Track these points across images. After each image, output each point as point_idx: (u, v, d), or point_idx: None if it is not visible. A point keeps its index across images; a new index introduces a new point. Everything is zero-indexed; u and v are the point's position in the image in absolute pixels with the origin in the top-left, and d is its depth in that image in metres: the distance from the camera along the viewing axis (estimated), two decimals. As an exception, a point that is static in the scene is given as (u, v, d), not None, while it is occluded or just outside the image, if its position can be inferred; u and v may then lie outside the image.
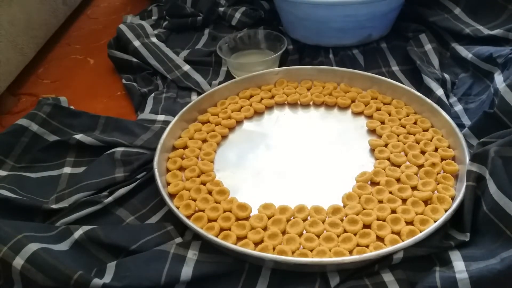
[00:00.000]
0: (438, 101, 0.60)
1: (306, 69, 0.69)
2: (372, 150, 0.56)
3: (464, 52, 0.69)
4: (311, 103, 0.66)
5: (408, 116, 0.60)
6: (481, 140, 0.48)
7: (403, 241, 0.43)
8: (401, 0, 0.74)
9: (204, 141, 0.59)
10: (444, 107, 0.58)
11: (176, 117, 0.60)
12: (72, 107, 0.66)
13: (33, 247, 0.40)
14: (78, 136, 0.57)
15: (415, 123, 0.59)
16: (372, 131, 0.59)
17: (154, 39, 0.76)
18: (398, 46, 0.77)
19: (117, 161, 0.54)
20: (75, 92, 0.74)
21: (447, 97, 0.63)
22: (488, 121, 0.52)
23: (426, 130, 0.57)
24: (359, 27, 0.77)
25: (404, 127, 0.58)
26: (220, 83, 0.71)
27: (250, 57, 0.76)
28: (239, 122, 0.63)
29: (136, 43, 0.74)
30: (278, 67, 0.73)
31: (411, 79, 0.70)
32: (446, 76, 0.66)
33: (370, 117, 0.62)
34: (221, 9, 0.90)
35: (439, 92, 0.61)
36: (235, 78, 0.69)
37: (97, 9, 1.06)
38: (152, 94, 0.68)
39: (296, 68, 0.70)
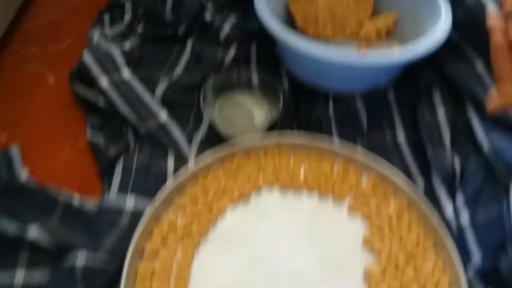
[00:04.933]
0: (446, 219, 0.53)
1: (302, 138, 0.61)
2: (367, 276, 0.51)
3: (480, 134, 0.60)
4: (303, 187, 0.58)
5: (410, 227, 0.54)
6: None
7: None
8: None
9: (181, 240, 0.52)
10: (450, 229, 0.52)
11: (147, 214, 0.51)
12: (26, 173, 0.56)
13: None
14: (34, 233, 0.49)
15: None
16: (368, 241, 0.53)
17: (125, 74, 0.63)
18: (407, 99, 0.67)
19: (78, 280, 0.47)
20: (28, 131, 0.63)
21: (454, 193, 0.57)
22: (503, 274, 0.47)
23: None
24: (366, 76, 0.67)
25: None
26: (202, 137, 0.62)
27: (238, 107, 0.65)
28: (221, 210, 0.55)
29: (104, 82, 0.61)
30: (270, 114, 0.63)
31: (416, 155, 0.62)
32: (457, 165, 0.59)
33: (368, 217, 0.55)
34: (207, 15, 0.75)
35: (448, 209, 0.54)
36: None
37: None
38: (122, 161, 0.58)
39: (290, 137, 0.61)
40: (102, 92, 0.61)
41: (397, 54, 0.59)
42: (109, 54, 0.64)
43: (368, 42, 0.76)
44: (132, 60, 0.69)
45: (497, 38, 0.43)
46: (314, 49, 0.59)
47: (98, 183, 0.57)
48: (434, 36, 0.61)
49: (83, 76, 0.63)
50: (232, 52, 0.73)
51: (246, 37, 0.75)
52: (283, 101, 0.64)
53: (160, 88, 0.66)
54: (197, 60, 0.72)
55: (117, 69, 0.63)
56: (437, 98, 0.66)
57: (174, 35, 0.74)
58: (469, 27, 0.66)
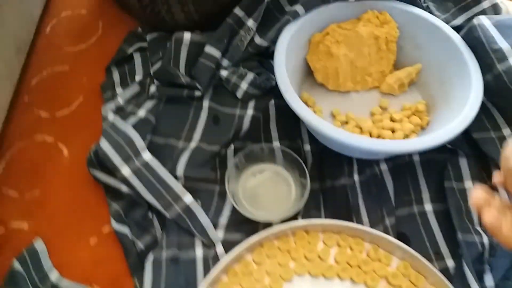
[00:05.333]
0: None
1: (330, 222, 0.59)
2: None
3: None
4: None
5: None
6: None
7: None
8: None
9: None
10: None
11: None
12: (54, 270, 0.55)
13: None
14: None
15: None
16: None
17: (146, 157, 0.61)
18: (434, 162, 0.66)
19: None
20: (49, 219, 0.61)
21: (482, 272, 0.57)
22: None
23: None
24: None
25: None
26: (228, 218, 0.61)
27: (262, 183, 0.63)
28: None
29: (126, 170, 0.59)
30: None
31: (445, 226, 0.62)
32: (485, 241, 0.59)
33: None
34: (223, 73, 0.72)
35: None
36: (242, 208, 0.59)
37: (57, 24, 0.82)
38: (151, 258, 0.57)
39: (320, 224, 0.60)
40: (123, 180, 0.59)
41: (424, 141, 0.57)
42: (127, 137, 0.61)
43: (390, 94, 0.74)
44: (148, 127, 0.66)
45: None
46: (337, 134, 0.57)
47: (129, 279, 0.57)
48: (459, 122, 0.59)
49: (102, 164, 0.60)
50: (250, 110, 0.71)
51: (264, 94, 0.72)
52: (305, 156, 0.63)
53: (181, 164, 0.64)
54: (215, 122, 0.70)
55: (137, 153, 0.60)
56: (464, 167, 0.65)
57: (189, 97, 0.70)
58: (498, 93, 0.64)
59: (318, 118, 0.59)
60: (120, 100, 0.68)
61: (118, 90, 0.72)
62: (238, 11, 0.71)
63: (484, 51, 0.64)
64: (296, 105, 0.60)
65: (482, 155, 0.65)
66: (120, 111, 0.67)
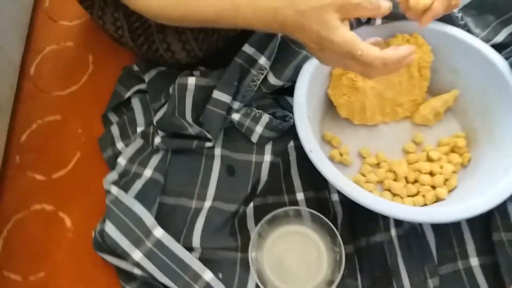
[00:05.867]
0: None
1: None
2: None
3: None
4: None
5: None
6: None
7: None
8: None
9: None
10: None
11: None
12: None
13: None
14: None
15: None
16: None
17: (158, 233, 0.54)
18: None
19: None
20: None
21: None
22: None
23: None
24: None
25: None
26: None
27: (289, 249, 0.57)
28: None
29: (137, 255, 0.52)
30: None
31: (494, 283, 0.55)
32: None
33: None
34: (235, 117, 0.63)
35: None
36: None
37: (42, 63, 0.73)
38: None
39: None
40: (136, 265, 0.53)
41: (469, 209, 0.50)
42: (134, 215, 0.54)
43: (424, 124, 0.65)
44: (156, 190, 0.59)
45: None
46: (372, 203, 0.51)
47: None
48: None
49: (110, 249, 0.54)
50: (268, 156, 0.63)
51: (282, 136, 0.64)
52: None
53: (197, 231, 0.57)
54: (229, 173, 0.62)
55: (148, 233, 0.54)
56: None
57: (199, 149, 0.62)
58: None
59: (350, 184, 0.51)
60: (123, 162, 0.61)
61: (119, 145, 0.64)
62: (247, 48, 0.62)
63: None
64: (325, 170, 0.52)
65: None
66: (124, 176, 0.59)
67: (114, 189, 0.56)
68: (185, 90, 0.62)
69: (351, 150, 0.64)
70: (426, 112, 0.64)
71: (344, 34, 0.43)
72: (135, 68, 0.68)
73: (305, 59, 0.60)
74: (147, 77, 0.67)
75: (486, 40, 0.64)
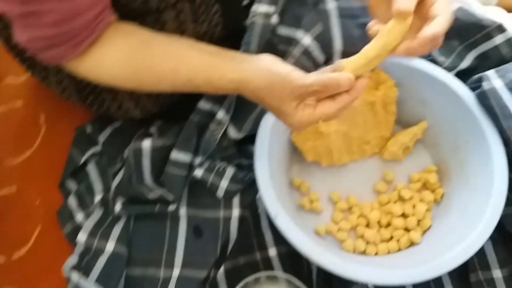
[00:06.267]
0: None
1: None
2: None
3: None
4: None
5: None
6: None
7: None
8: None
9: None
10: None
11: None
12: None
13: None
14: None
15: None
16: None
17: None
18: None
19: None
20: None
21: None
22: None
23: None
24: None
25: None
26: None
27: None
28: None
29: None
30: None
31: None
32: None
33: None
34: (198, 173, 0.60)
35: None
36: None
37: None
38: None
39: None
40: None
41: (443, 265, 0.49)
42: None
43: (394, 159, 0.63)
44: (121, 264, 0.57)
45: None
46: (347, 272, 0.49)
47: None
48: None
49: None
50: (236, 210, 0.61)
51: (249, 187, 0.61)
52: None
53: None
54: (197, 234, 0.60)
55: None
56: (489, 249, 0.56)
57: (162, 211, 0.60)
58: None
59: (319, 251, 0.49)
60: (83, 238, 0.58)
61: (79, 216, 0.61)
62: (203, 104, 0.59)
63: (499, 125, 0.53)
64: (292, 237, 0.50)
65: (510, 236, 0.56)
66: (86, 255, 0.57)
67: (75, 276, 0.54)
68: (141, 155, 0.58)
69: (321, 193, 0.62)
70: (394, 148, 0.61)
71: (300, 118, 0.45)
72: (89, 129, 0.65)
73: (264, 111, 0.57)
74: (101, 138, 0.63)
75: (452, 67, 0.61)
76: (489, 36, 0.60)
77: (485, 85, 0.54)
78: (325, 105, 0.44)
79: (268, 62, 0.46)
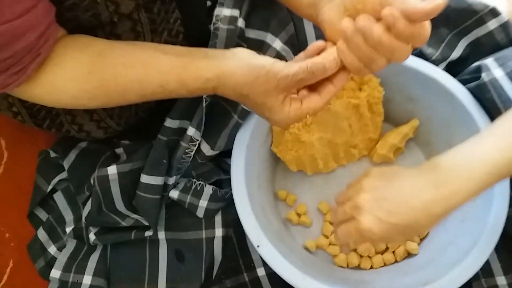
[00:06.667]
0: None
1: None
2: None
3: None
4: None
5: None
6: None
7: None
8: None
9: None
10: None
11: None
12: None
13: None
14: None
15: None
16: None
17: None
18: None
19: None
20: None
21: None
22: None
23: None
24: None
25: None
26: None
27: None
28: None
29: None
30: None
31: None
32: None
33: None
34: (174, 194, 0.55)
35: None
36: None
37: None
38: None
39: None
40: None
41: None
42: None
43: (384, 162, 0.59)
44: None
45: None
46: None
47: None
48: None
49: None
50: (219, 230, 0.57)
51: (231, 203, 0.56)
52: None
53: None
54: (179, 259, 0.56)
55: None
56: (492, 256, 0.52)
57: (140, 238, 0.55)
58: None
59: (306, 279, 0.45)
60: (56, 275, 0.54)
61: (51, 250, 0.57)
62: (171, 122, 0.53)
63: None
64: (277, 266, 0.46)
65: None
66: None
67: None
68: (107, 181, 0.53)
69: (310, 204, 0.58)
70: (384, 151, 0.57)
71: (287, 113, 0.41)
72: (52, 153, 0.60)
73: (238, 125, 0.52)
74: (66, 164, 0.58)
75: (442, 58, 0.55)
76: (481, 21, 0.54)
77: (485, 76, 0.49)
78: (311, 100, 0.41)
79: (247, 56, 0.41)
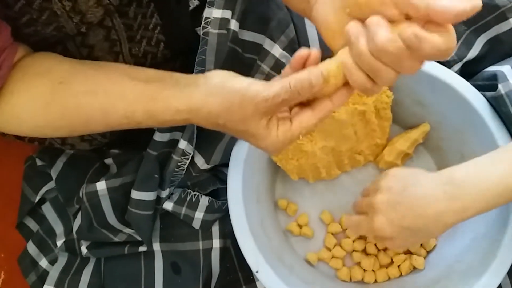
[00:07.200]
0: None
1: None
2: None
3: None
4: None
5: None
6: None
7: None
8: None
9: None
10: None
11: None
12: None
13: None
14: None
15: None
16: None
17: None
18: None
19: None
20: None
21: None
22: None
23: None
24: None
25: None
26: None
27: None
28: None
29: None
30: None
31: None
32: None
33: None
34: (168, 206, 0.52)
35: None
36: None
37: None
38: None
39: None
40: None
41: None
42: None
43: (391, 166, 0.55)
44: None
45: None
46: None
47: None
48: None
49: None
50: (216, 241, 0.54)
51: (228, 215, 0.54)
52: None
53: None
54: (175, 271, 0.54)
55: None
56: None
57: (133, 252, 0.53)
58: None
59: None
60: (49, 288, 0.52)
61: (43, 263, 0.55)
62: (160, 136, 0.49)
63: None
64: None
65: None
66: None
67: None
68: (97, 197, 0.50)
69: (311, 213, 0.55)
70: (391, 158, 0.53)
71: (276, 138, 0.36)
72: (39, 161, 0.56)
73: (234, 138, 0.48)
74: (54, 173, 0.55)
75: (458, 58, 0.50)
76: (503, 17, 0.48)
77: (502, 88, 0.44)
78: (302, 116, 0.35)
79: (220, 79, 0.36)
